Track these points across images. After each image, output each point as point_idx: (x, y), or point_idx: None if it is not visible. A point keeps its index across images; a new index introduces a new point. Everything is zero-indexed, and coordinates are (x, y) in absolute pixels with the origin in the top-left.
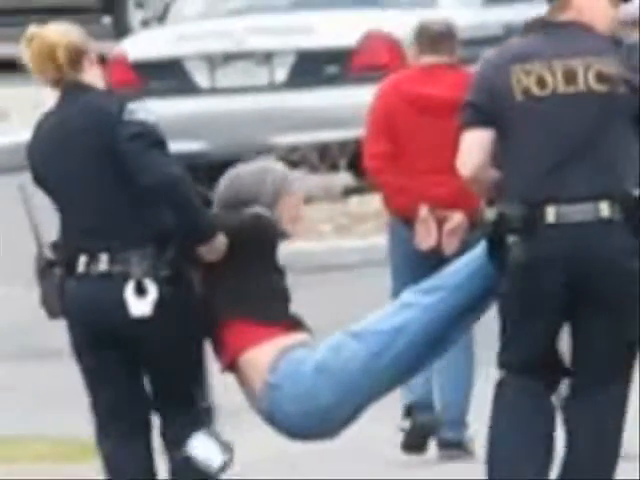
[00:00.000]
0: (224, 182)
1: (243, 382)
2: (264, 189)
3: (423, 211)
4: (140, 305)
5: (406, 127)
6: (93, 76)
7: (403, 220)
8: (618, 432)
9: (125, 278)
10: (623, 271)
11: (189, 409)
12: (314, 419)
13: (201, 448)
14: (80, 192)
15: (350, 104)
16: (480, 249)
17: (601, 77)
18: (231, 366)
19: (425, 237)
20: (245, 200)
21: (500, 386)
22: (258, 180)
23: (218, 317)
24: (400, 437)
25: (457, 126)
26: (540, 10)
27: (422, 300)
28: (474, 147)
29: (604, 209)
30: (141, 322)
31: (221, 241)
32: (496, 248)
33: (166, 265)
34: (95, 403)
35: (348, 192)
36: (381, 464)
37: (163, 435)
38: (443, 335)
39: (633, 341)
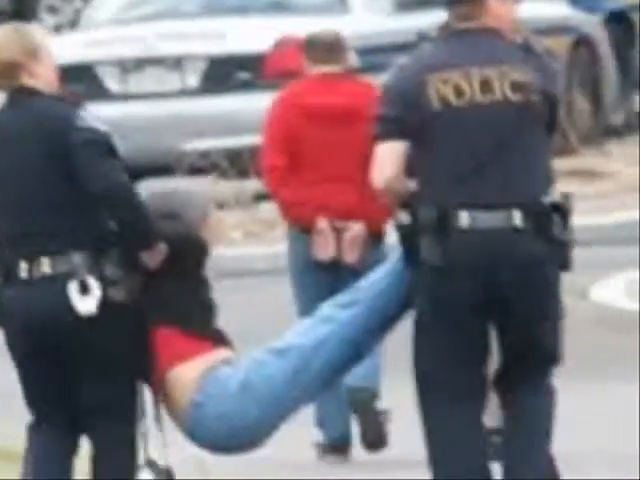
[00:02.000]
0: (154, 195)
1: (167, 397)
2: (193, 209)
3: (321, 222)
4: (85, 303)
5: (303, 137)
6: (42, 79)
7: (302, 230)
8: (549, 435)
9: (68, 279)
10: (533, 279)
11: (123, 429)
12: (240, 435)
13: None
14: (21, 196)
15: (261, 110)
16: (395, 261)
17: (516, 86)
18: (160, 382)
19: (323, 248)
20: (173, 216)
21: (425, 401)
22: (187, 199)
23: (150, 326)
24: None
25: (360, 136)
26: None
27: (340, 314)
28: (387, 159)
29: (516, 217)
30: (86, 322)
31: (162, 249)
32: (410, 251)
33: (109, 266)
34: (30, 407)
35: (258, 198)
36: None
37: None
38: (361, 346)
39: (551, 349)
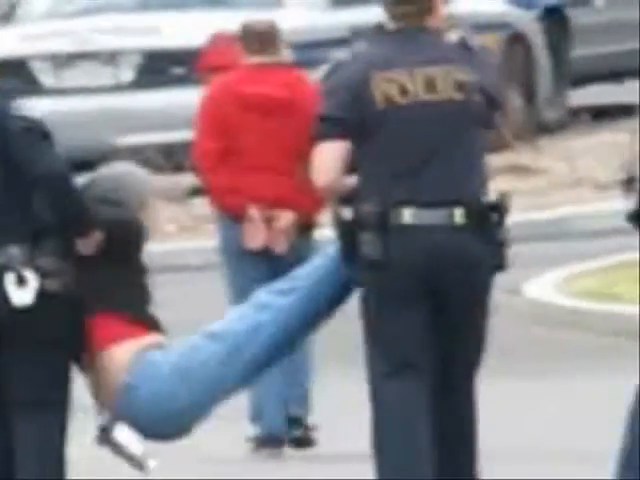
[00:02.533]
0: (95, 180)
1: (98, 379)
2: (131, 194)
3: (252, 210)
4: (21, 294)
5: (235, 127)
6: None
7: (233, 218)
8: (473, 426)
9: (4, 271)
10: (471, 278)
11: (55, 419)
12: (171, 420)
13: (125, 435)
14: None
15: (196, 105)
16: (332, 251)
17: (459, 85)
18: (92, 364)
19: (253, 236)
20: (113, 201)
21: (378, 392)
22: (126, 185)
23: (86, 311)
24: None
25: (292, 127)
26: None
27: (277, 301)
28: (330, 159)
29: (457, 215)
30: (23, 313)
31: (97, 235)
32: (350, 247)
33: (46, 257)
34: None
35: (193, 193)
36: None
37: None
38: (296, 335)
39: (478, 350)
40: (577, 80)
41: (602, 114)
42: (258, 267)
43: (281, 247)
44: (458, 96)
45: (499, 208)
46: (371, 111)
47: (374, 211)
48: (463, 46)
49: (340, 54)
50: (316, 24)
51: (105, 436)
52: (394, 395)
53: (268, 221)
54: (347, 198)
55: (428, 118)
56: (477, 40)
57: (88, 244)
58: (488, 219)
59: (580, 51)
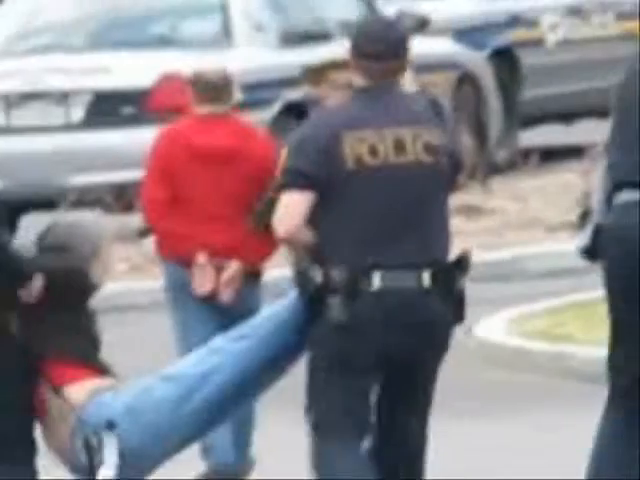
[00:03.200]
0: (47, 227)
1: (50, 423)
2: (85, 242)
3: (200, 258)
4: None
5: (185, 175)
6: None
7: (181, 265)
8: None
9: None
10: (438, 340)
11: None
12: (125, 461)
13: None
14: None
15: (146, 145)
16: (290, 302)
17: (428, 148)
18: (44, 408)
19: (202, 283)
20: (62, 248)
21: (319, 447)
22: (80, 233)
23: (34, 358)
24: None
25: (241, 176)
26: (337, 49)
27: (231, 347)
28: (293, 210)
29: (426, 278)
30: None
31: (37, 283)
32: (317, 308)
33: None
34: None
35: (143, 233)
36: None
37: None
38: (251, 382)
39: (430, 391)
40: (527, 121)
41: (552, 155)
42: (205, 313)
43: (228, 295)
44: (427, 159)
45: (461, 266)
46: (340, 170)
47: (343, 275)
48: (432, 106)
49: (291, 94)
50: (267, 64)
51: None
52: (336, 458)
53: (216, 269)
54: (315, 259)
55: (397, 180)
56: (427, 81)
57: (28, 292)
58: (454, 279)
59: (530, 92)
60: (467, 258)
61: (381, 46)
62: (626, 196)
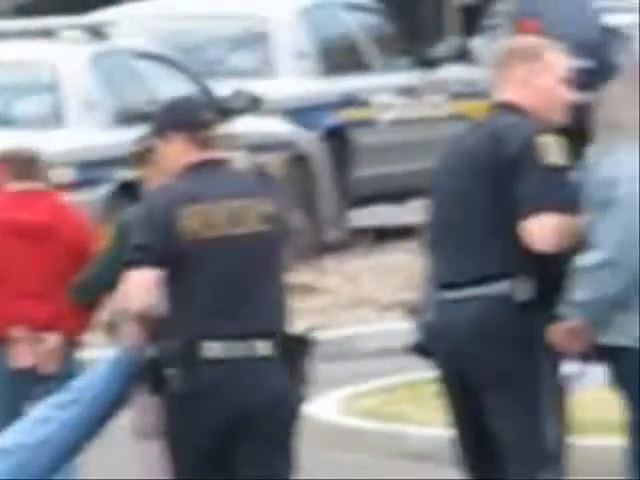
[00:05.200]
0: None
1: None
2: None
3: (17, 331)
4: None
5: (1, 251)
6: None
7: None
8: None
9: None
10: (278, 413)
11: None
12: None
13: None
14: None
15: None
16: (112, 364)
17: (263, 218)
18: None
19: (21, 356)
20: None
21: None
22: None
23: None
24: None
25: (56, 252)
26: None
27: (60, 415)
28: (140, 287)
29: (261, 347)
30: None
31: None
32: (155, 382)
33: None
34: None
35: None
36: None
37: None
38: (83, 443)
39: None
40: (359, 200)
41: (384, 235)
42: (26, 385)
43: (48, 369)
44: (263, 228)
45: (304, 341)
46: (178, 244)
47: (179, 347)
48: (262, 177)
49: (125, 173)
50: (99, 143)
51: None
52: None
53: (35, 342)
54: (152, 333)
55: (233, 251)
56: (259, 160)
57: None
58: (293, 351)
59: (362, 171)
60: (311, 334)
61: (201, 115)
62: (439, 295)
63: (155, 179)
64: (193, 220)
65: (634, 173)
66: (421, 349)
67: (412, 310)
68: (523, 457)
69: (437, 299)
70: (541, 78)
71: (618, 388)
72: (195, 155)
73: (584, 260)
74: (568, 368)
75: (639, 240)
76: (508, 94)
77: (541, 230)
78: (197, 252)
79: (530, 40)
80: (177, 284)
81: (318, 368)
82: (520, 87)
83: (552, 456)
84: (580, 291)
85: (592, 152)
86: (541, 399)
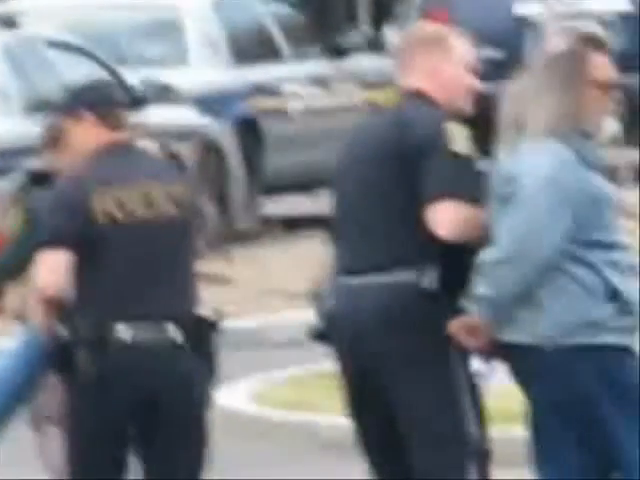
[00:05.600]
0: None
1: None
2: None
3: None
4: None
5: None
6: None
7: None
8: None
9: None
10: (189, 396)
11: None
12: None
13: None
14: None
15: None
16: (25, 346)
17: (175, 202)
18: None
19: None
20: None
21: None
22: None
23: None
24: None
25: None
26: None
27: None
28: (52, 268)
29: (172, 330)
30: None
31: None
32: (65, 362)
33: None
34: None
35: None
36: None
37: None
38: None
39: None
40: (270, 189)
41: (294, 224)
42: None
43: None
44: (174, 213)
45: (212, 323)
46: (92, 226)
47: (91, 328)
48: (173, 163)
49: (35, 162)
50: (10, 132)
51: None
52: None
53: None
54: (63, 315)
55: (146, 234)
56: (172, 149)
57: None
58: (205, 335)
59: (273, 161)
60: (218, 315)
61: (113, 96)
62: (342, 281)
63: (66, 162)
64: (107, 202)
65: (534, 169)
66: (322, 336)
67: (314, 297)
68: (440, 440)
69: (339, 285)
70: (446, 65)
71: (519, 386)
72: (105, 136)
73: (486, 255)
74: (476, 365)
75: (540, 236)
76: (414, 81)
77: (446, 218)
78: (111, 234)
79: (435, 28)
80: (89, 266)
81: (228, 357)
82: (425, 74)
83: (475, 451)
84: (482, 286)
85: (497, 147)
86: (454, 383)
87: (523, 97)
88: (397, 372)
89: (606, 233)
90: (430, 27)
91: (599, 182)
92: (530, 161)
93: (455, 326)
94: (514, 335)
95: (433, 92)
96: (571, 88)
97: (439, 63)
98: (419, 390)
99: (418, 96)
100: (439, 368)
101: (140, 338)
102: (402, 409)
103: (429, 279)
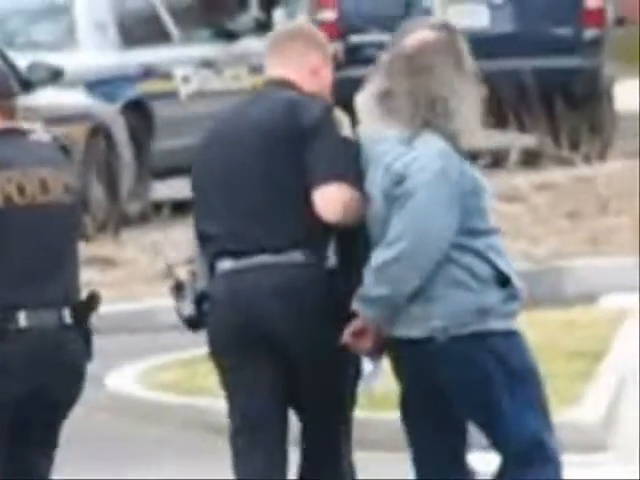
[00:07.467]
0: None
1: None
2: None
3: None
4: None
5: None
6: None
7: None
8: None
9: None
10: (77, 380)
11: None
12: None
13: None
14: None
15: None
16: None
17: (67, 188)
18: None
19: None
20: None
21: None
22: None
23: None
24: None
25: None
26: None
27: None
28: None
29: (66, 315)
30: None
31: None
32: None
33: None
34: None
35: None
36: None
37: None
38: None
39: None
40: (159, 173)
41: (183, 208)
42: None
43: None
44: (66, 199)
45: (90, 304)
46: None
47: None
48: (60, 147)
49: None
50: None
51: None
52: None
53: None
54: None
55: (41, 220)
56: (59, 132)
57: None
58: (87, 316)
59: (163, 144)
60: (96, 297)
61: (9, 84)
62: (229, 264)
63: None
64: (6, 186)
65: (423, 165)
66: (195, 322)
67: (178, 286)
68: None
69: (223, 269)
70: (312, 58)
71: (410, 381)
72: (1, 123)
73: (378, 256)
74: (366, 366)
75: (436, 230)
76: (281, 71)
77: (332, 199)
78: (9, 219)
79: (303, 24)
80: None
81: (115, 341)
82: (294, 65)
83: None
84: (376, 287)
85: (369, 137)
86: (345, 374)
87: (393, 80)
88: (296, 353)
89: (485, 220)
90: (299, 23)
91: (474, 171)
92: (417, 156)
93: (345, 335)
94: (405, 330)
95: (301, 82)
96: (439, 78)
97: (307, 55)
98: (316, 373)
99: (287, 85)
100: (335, 354)
101: (35, 324)
102: (305, 371)
103: (317, 260)
